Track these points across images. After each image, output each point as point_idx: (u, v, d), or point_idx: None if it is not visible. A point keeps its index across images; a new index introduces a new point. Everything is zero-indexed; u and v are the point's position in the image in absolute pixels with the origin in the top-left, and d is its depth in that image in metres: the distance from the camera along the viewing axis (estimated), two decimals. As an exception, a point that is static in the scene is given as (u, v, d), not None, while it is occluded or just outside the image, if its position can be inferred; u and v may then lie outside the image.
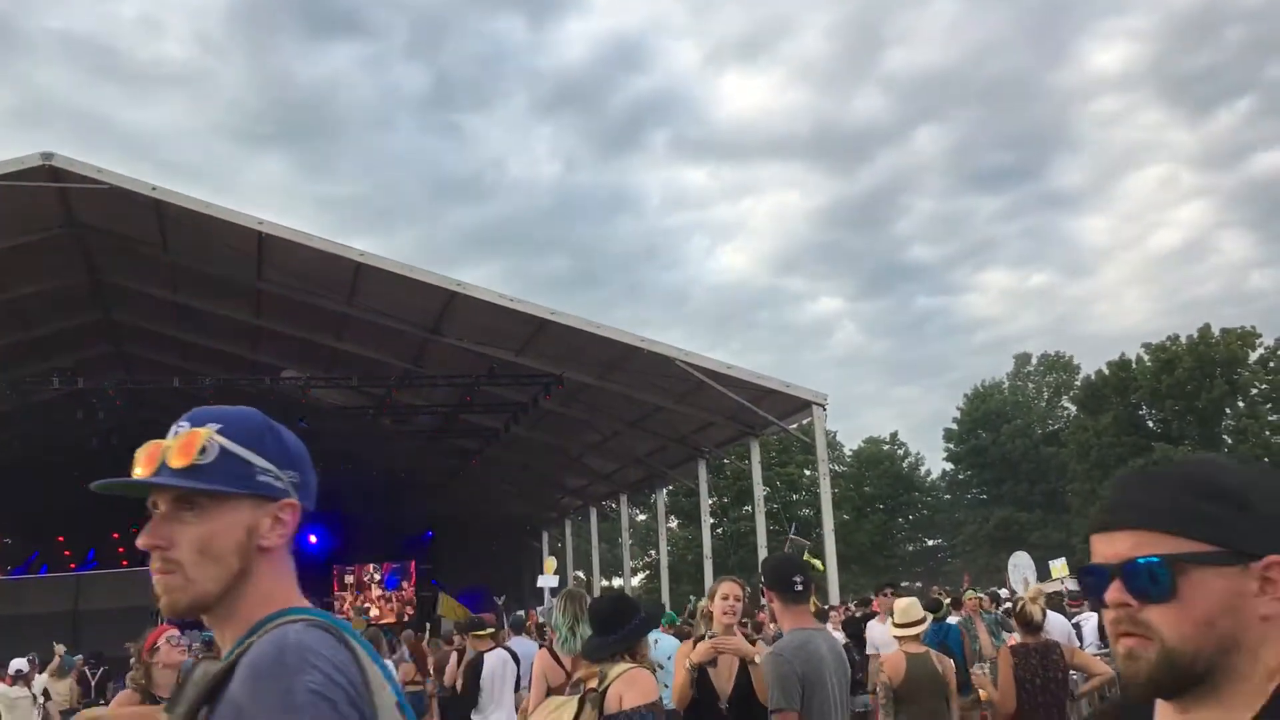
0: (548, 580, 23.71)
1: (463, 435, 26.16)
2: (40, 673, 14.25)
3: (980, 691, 8.98)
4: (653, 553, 57.59)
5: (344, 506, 34.49)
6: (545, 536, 38.57)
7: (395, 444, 27.25)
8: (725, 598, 5.12)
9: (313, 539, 35.42)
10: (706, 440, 23.82)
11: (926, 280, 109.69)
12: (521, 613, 18.53)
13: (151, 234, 19.11)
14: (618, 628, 3.97)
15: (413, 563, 37.01)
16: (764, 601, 7.23)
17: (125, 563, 31.29)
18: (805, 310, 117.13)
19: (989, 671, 8.42)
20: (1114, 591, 1.25)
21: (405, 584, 36.90)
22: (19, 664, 12.11)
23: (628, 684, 3.77)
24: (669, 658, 6.44)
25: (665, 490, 30.87)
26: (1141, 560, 1.23)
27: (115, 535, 33.54)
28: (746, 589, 5.52)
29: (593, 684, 3.83)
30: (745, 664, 4.90)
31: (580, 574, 38.28)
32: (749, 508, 47.37)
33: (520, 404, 23.27)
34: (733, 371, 19.34)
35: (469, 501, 35.20)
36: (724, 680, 4.87)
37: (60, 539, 33.16)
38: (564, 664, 5.94)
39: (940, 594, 15.60)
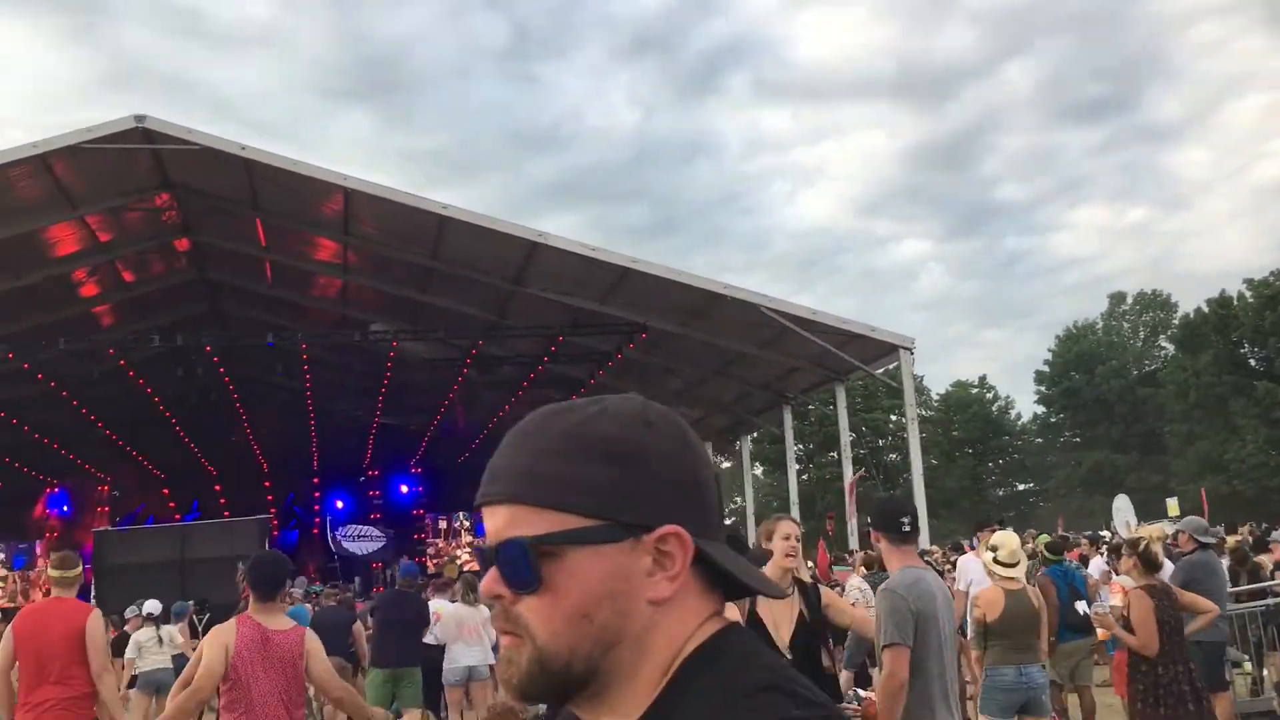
0: None
1: (547, 385, 26.39)
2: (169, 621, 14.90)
3: (1100, 631, 8.92)
4: (738, 499, 57.78)
5: (433, 457, 35.26)
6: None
7: (482, 395, 27.63)
8: (786, 538, 4.87)
9: (404, 489, 36.31)
10: (791, 386, 23.73)
11: (1016, 219, 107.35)
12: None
13: (242, 192, 19.53)
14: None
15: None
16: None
17: (227, 514, 32.46)
18: (890, 253, 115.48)
19: (1110, 610, 8.32)
20: (488, 581, 1.03)
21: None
22: (151, 606, 12.67)
23: None
24: None
25: (750, 437, 30.94)
26: (509, 542, 1.00)
27: (217, 488, 34.77)
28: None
29: None
30: (804, 614, 4.82)
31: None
32: (834, 454, 47.21)
33: (604, 353, 23.40)
34: (817, 317, 19.20)
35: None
36: (784, 630, 4.77)
37: (165, 491, 34.39)
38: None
39: (1033, 538, 15.46)
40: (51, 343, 21.01)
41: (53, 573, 6.71)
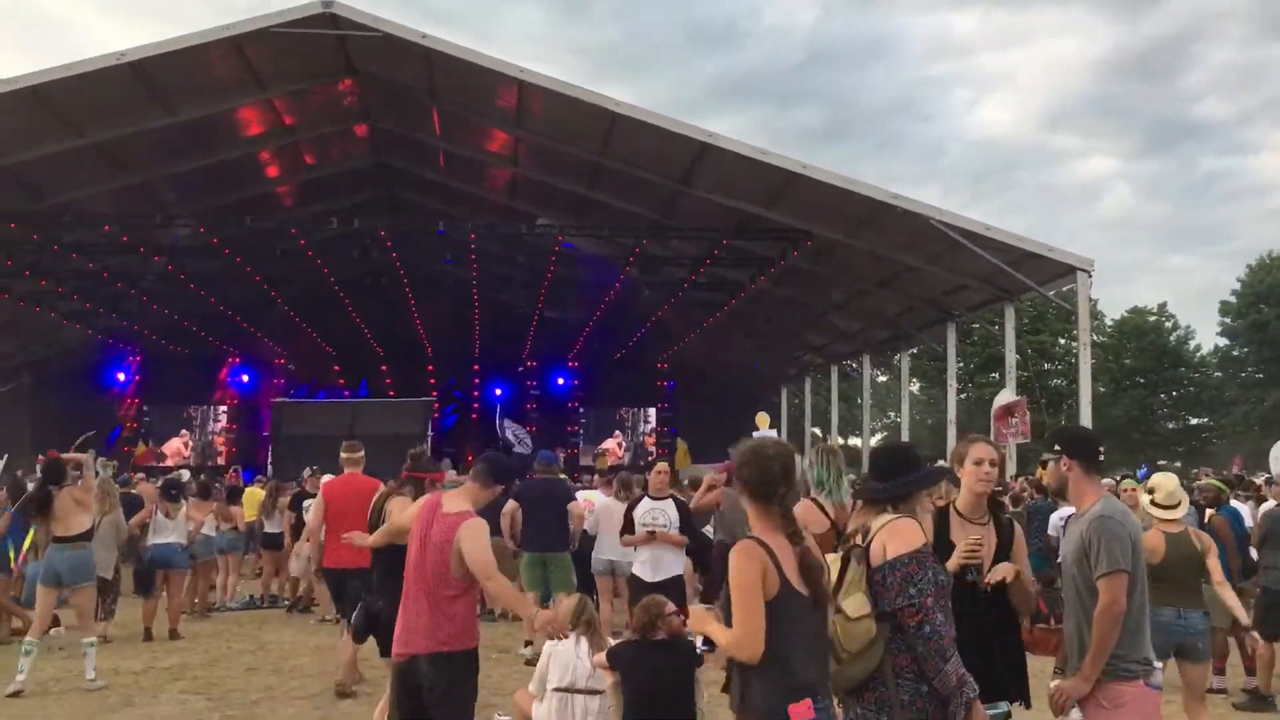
0: (763, 435, 24.01)
1: (709, 288, 26.44)
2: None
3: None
4: (892, 414, 57.07)
5: (590, 352, 35.88)
6: (784, 392, 38.88)
7: (642, 294, 27.86)
8: (979, 462, 4.64)
9: (559, 381, 37.14)
10: (957, 303, 23.16)
11: (1216, 138, 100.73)
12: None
13: (421, 81, 19.91)
14: (897, 475, 3.93)
15: (654, 409, 38.25)
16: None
17: (392, 393, 33.86)
18: (1072, 170, 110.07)
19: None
20: None
21: (646, 431, 38.28)
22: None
23: (890, 534, 3.67)
24: None
25: (910, 352, 30.39)
26: None
27: (384, 368, 36.22)
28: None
29: (858, 539, 3.83)
30: (998, 545, 4.66)
31: (817, 430, 38.52)
32: (995, 374, 45.94)
33: (767, 259, 23.24)
34: (990, 233, 18.58)
35: (711, 354, 35.77)
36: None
37: (336, 368, 36.01)
38: (828, 511, 6.16)
39: (1204, 476, 14.83)
40: (239, 220, 22.08)
41: (344, 455, 9.20)
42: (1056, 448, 4.52)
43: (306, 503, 13.04)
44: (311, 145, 23.86)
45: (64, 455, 10.11)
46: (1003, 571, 4.50)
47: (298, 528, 13.52)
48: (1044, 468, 8.60)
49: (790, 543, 3.48)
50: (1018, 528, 4.86)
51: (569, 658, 6.39)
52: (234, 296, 29.20)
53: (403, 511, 6.31)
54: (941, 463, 4.89)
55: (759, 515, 3.55)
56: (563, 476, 13.51)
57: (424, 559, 5.17)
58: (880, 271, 22.63)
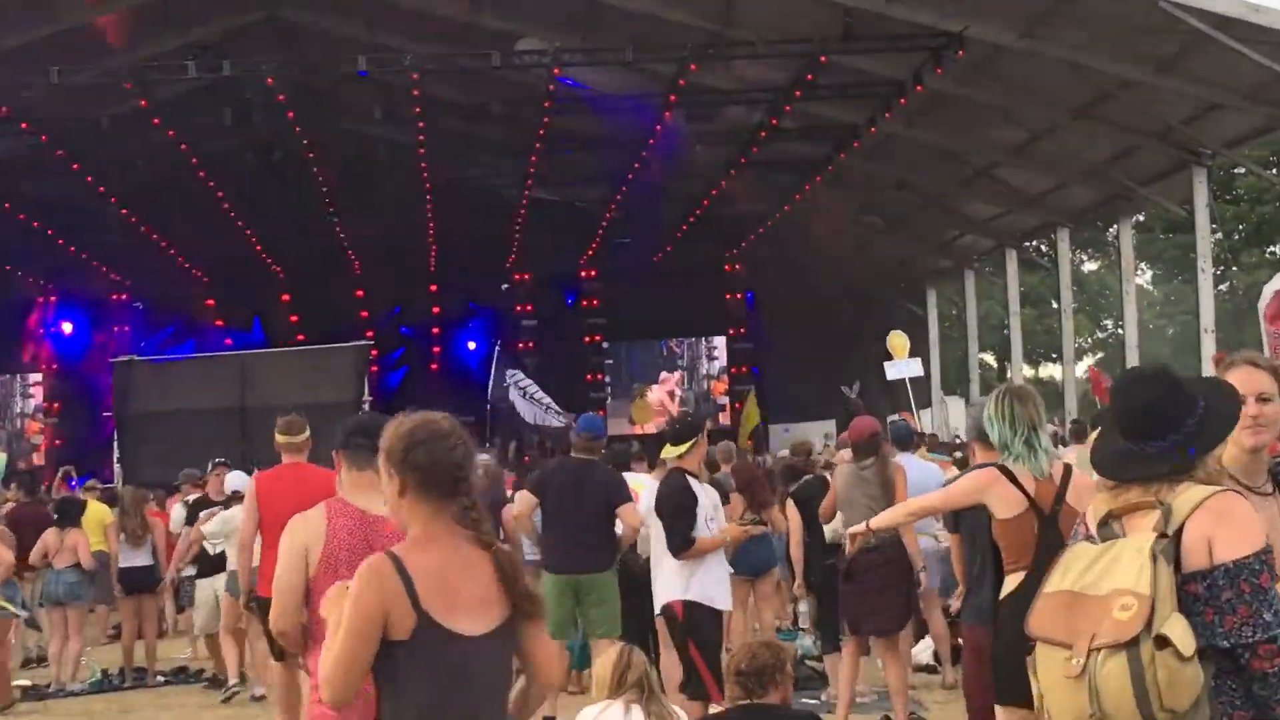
0: (901, 368, 24.02)
1: (799, 138, 26.21)
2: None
3: None
4: (1108, 323, 56.76)
5: (616, 253, 35.86)
6: (931, 298, 38.77)
7: (693, 153, 27.73)
8: (1251, 398, 4.44)
9: (569, 301, 37.18)
10: (1207, 135, 22.87)
11: None
12: (898, 418, 18.88)
13: None
14: (1168, 429, 3.85)
15: (724, 339, 38.38)
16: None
17: (302, 337, 34.02)
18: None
19: None
20: None
21: (712, 373, 38.45)
22: (236, 481, 13.65)
23: (1219, 519, 3.58)
24: None
25: (1134, 221, 30.21)
26: None
27: (286, 298, 36.44)
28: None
29: (1143, 518, 3.76)
30: None
31: (987, 356, 38.43)
32: (1275, 248, 45.45)
33: (893, 83, 23.05)
34: (1259, 17, 18.30)
35: (808, 245, 35.62)
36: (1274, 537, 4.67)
37: (210, 303, 36.26)
38: (1024, 485, 6.24)
39: None
40: (38, 73, 22.02)
41: (280, 437, 9.77)
42: None
43: (208, 514, 13.19)
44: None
45: None
46: None
47: (214, 560, 13.73)
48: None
49: (481, 549, 3.92)
50: None
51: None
52: (41, 198, 29.32)
53: None
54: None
55: (428, 518, 3.95)
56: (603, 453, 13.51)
57: None
58: (1078, 92, 22.38)
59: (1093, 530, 3.86)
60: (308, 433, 9.95)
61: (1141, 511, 3.78)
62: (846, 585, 10.52)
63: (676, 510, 9.67)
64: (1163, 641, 3.48)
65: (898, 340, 24.60)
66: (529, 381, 30.30)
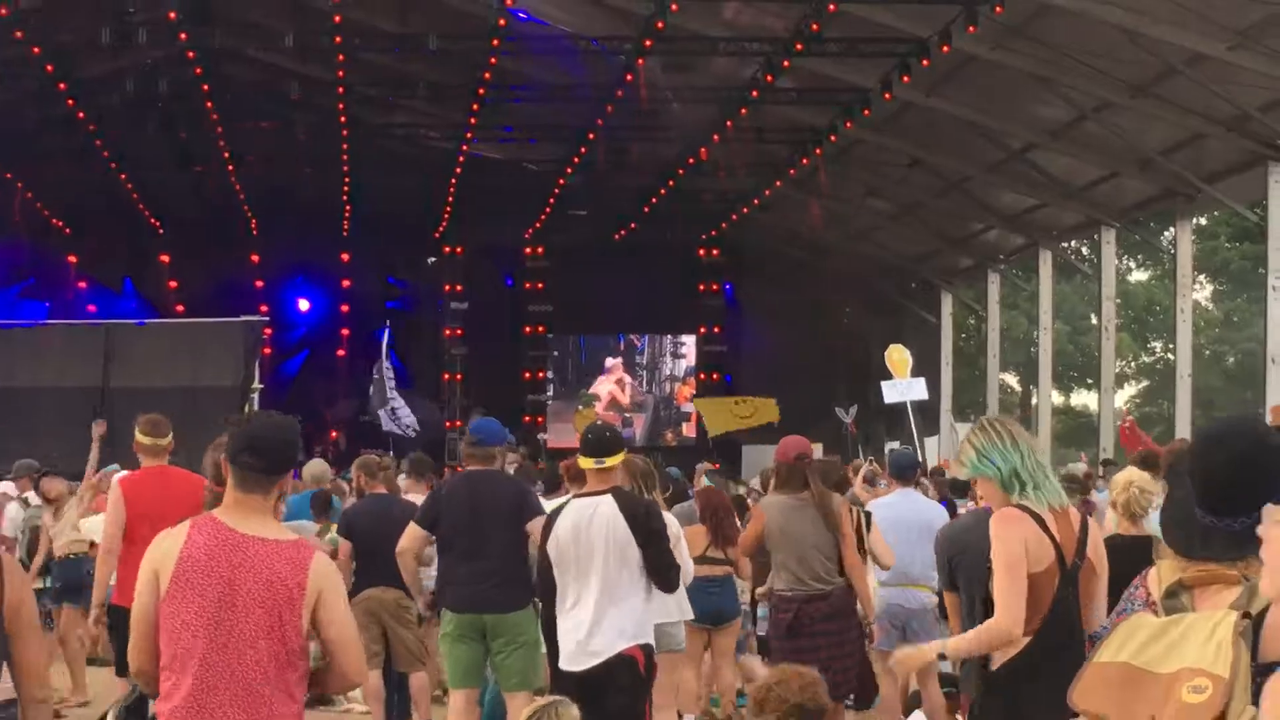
0: (903, 389, 24.05)
1: (798, 100, 26.26)
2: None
3: None
4: (1155, 343, 57.00)
5: (571, 227, 35.83)
6: (947, 302, 38.83)
7: (669, 112, 27.76)
8: None
9: (510, 281, 37.10)
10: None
11: None
12: (905, 447, 18.88)
13: None
14: (1258, 500, 3.80)
15: (693, 338, 38.39)
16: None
17: (181, 308, 33.85)
18: None
19: None
20: None
21: (677, 374, 38.47)
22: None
23: None
24: None
25: (1194, 224, 30.26)
26: None
27: (166, 259, 36.21)
28: None
29: (1218, 594, 3.74)
30: None
31: (1008, 377, 38.47)
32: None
33: (915, 41, 23.11)
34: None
35: (802, 231, 35.69)
36: None
37: (72, 259, 35.99)
38: (1050, 525, 6.41)
39: None
40: None
41: (142, 437, 10.20)
42: None
43: (33, 513, 13.09)
44: None
45: None
46: None
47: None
48: None
49: None
50: None
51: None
52: None
53: None
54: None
55: None
56: (512, 466, 13.40)
57: (234, 628, 5.31)
58: (1137, 65, 22.43)
59: (1155, 597, 3.83)
60: (171, 435, 10.43)
61: (1218, 586, 3.77)
62: (786, 641, 10.52)
63: (660, 531, 9.58)
64: None
65: (898, 356, 24.65)
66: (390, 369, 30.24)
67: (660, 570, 9.28)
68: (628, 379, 38.74)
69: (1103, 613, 6.40)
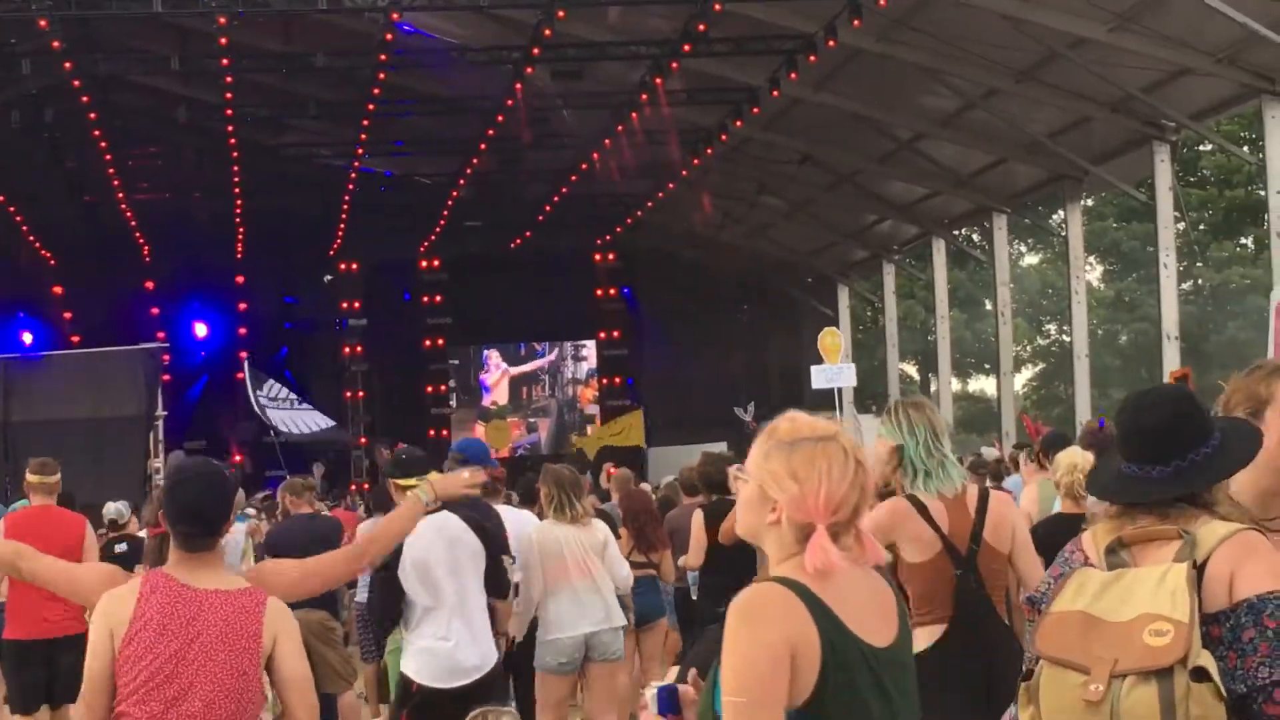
0: (832, 374, 23.99)
1: (687, 101, 26.31)
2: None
3: None
4: (1050, 326, 57.42)
5: (463, 238, 35.79)
6: (843, 295, 39.04)
7: (559, 119, 27.78)
8: None
9: (406, 296, 37.03)
10: (1170, 105, 23.20)
11: None
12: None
13: None
14: (1174, 455, 3.96)
15: (592, 342, 38.42)
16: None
17: (77, 339, 33.53)
18: None
19: None
20: None
21: (579, 377, 38.49)
22: (114, 511, 13.69)
23: (1245, 553, 3.70)
24: None
25: (1083, 206, 30.53)
26: None
27: (59, 290, 35.88)
28: None
29: (1158, 549, 3.80)
30: None
31: (907, 367, 38.73)
32: (1248, 240, 46.20)
33: (801, 38, 23.23)
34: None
35: (696, 232, 35.77)
36: None
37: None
38: (934, 515, 6.50)
39: None
40: None
41: (31, 476, 10.82)
42: None
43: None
44: None
45: None
46: None
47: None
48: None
49: None
50: None
51: None
52: None
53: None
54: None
55: None
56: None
57: (191, 684, 5.35)
58: (1021, 52, 22.60)
59: (1093, 558, 3.94)
60: (59, 475, 11.10)
61: (1157, 542, 3.87)
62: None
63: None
64: (1200, 674, 3.57)
65: (830, 341, 24.32)
66: (278, 387, 30.16)
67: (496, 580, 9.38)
68: (510, 371, 38.75)
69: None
